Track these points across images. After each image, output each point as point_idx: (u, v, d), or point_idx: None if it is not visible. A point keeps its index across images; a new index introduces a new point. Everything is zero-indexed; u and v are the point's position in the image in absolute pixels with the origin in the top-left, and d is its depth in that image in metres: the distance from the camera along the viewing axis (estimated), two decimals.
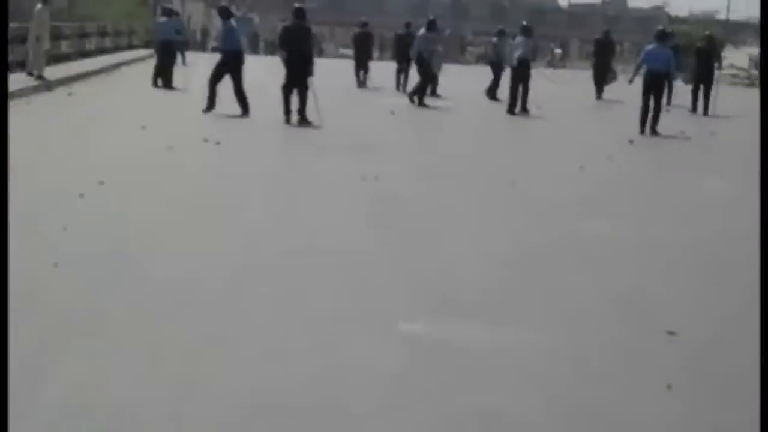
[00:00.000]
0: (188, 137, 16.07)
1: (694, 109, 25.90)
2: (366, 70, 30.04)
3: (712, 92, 25.84)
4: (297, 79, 18.73)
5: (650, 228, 10.64)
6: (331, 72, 29.55)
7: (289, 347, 6.16)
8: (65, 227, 8.93)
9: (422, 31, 24.86)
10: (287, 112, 18.81)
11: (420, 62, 24.54)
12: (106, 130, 16.52)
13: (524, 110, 23.26)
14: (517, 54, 23.77)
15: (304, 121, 18.58)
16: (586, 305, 7.39)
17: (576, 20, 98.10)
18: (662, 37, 20.80)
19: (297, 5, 19.42)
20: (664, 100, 21.93)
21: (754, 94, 29.08)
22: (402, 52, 28.00)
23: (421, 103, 23.90)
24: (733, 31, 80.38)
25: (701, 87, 26.06)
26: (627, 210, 11.80)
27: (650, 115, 20.26)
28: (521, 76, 23.42)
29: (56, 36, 31.01)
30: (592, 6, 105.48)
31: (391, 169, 13.72)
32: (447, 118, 22.51)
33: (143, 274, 7.59)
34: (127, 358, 5.78)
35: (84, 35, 35.64)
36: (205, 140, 15.49)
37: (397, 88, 28.09)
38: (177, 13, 31.74)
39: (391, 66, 30.03)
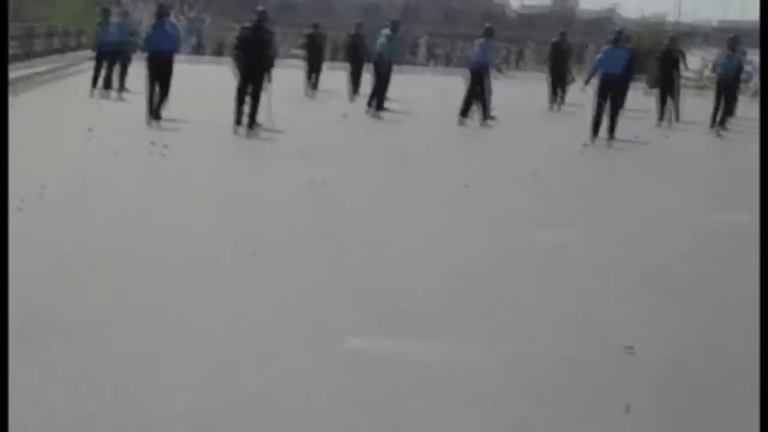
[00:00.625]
0: (135, 141, 15.80)
1: (661, 117, 24.74)
2: (318, 71, 29.41)
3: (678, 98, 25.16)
4: (252, 81, 18.08)
5: (605, 236, 10.42)
6: (283, 74, 29.14)
7: (229, 360, 5.91)
8: None
9: (386, 32, 24.11)
10: (239, 115, 18.12)
11: (379, 65, 23.81)
12: (50, 134, 16.16)
13: (489, 116, 22.83)
14: (476, 57, 23.61)
15: (254, 125, 18.01)
16: (541, 319, 7.17)
17: (527, 23, 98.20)
18: (618, 38, 20.38)
19: (259, 8, 18.90)
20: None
21: (706, 99, 28.73)
22: (354, 53, 27.57)
23: (380, 108, 23.34)
24: (683, 34, 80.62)
25: (666, 93, 25.06)
26: (580, 217, 11.60)
27: (607, 118, 19.69)
28: (481, 80, 23.18)
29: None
30: (542, 8, 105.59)
31: (342, 174, 13.49)
32: (400, 122, 22.17)
33: (79, 284, 7.31)
34: (60, 383, 5.50)
35: (31, 36, 35.11)
36: (152, 144, 15.20)
37: (353, 91, 27.48)
38: (127, 14, 31.06)
39: (344, 68, 29.37)
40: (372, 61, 24.40)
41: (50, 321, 6.43)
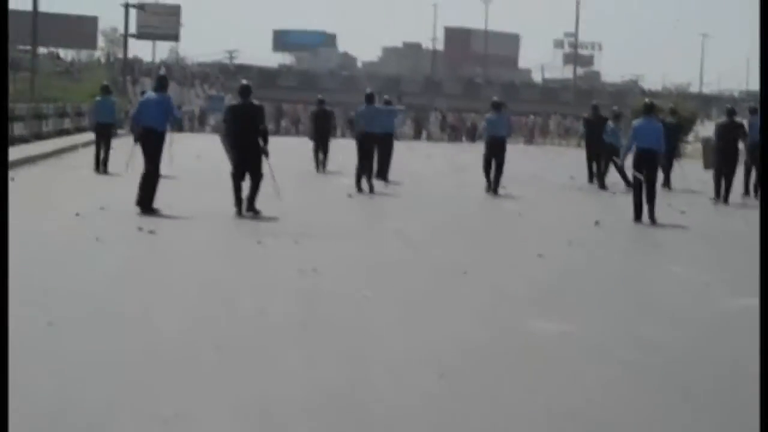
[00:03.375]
0: (123, 226, 15.04)
1: (717, 195, 22.64)
2: (326, 151, 28.31)
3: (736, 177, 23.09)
4: (247, 164, 16.87)
5: (610, 329, 9.49)
6: (288, 151, 28.52)
7: None
8: None
9: (362, 108, 23.22)
10: (238, 202, 16.80)
11: (361, 140, 22.95)
12: (37, 218, 15.44)
13: (495, 191, 22.57)
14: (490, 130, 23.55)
15: (252, 211, 16.74)
16: (529, 429, 6.31)
17: (549, 95, 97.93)
18: (650, 110, 18.69)
19: (243, 82, 17.79)
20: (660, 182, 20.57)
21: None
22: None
23: (370, 187, 22.33)
24: (705, 104, 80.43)
25: (723, 171, 22.76)
26: (585, 306, 10.69)
27: (646, 199, 18.07)
28: (495, 154, 23.07)
29: (9, 118, 30.13)
30: (565, 81, 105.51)
31: (335, 260, 12.67)
32: (405, 202, 21.36)
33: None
34: None
35: (40, 116, 34.72)
36: (140, 229, 14.48)
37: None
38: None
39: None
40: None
41: None
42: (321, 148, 28.41)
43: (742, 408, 6.94)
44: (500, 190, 22.78)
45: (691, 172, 26.98)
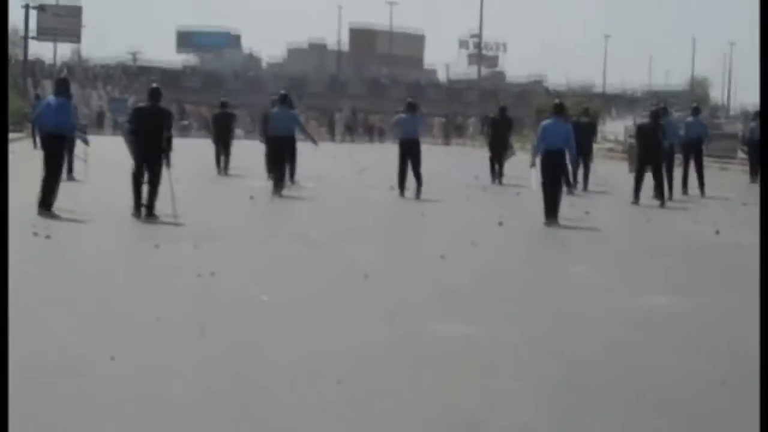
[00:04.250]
0: (17, 230, 14.63)
1: (636, 198, 22.05)
2: (227, 154, 28.02)
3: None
4: (148, 166, 16.68)
5: (514, 331, 9.40)
6: (191, 152, 28.19)
7: None
8: None
9: (275, 109, 23.16)
10: (137, 205, 16.64)
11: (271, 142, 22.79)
12: None
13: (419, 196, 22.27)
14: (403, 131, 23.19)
15: (150, 215, 16.47)
16: None
17: (455, 95, 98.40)
18: (559, 110, 18.51)
19: (154, 85, 17.68)
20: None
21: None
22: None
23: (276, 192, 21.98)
24: (606, 103, 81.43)
25: (648, 168, 22.12)
26: (489, 308, 10.61)
27: (550, 199, 17.78)
28: (411, 157, 22.72)
29: None
30: (470, 81, 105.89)
31: (234, 264, 12.48)
32: (308, 204, 21.16)
33: None
34: None
35: None
36: (35, 234, 14.13)
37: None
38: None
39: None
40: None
41: None
42: (223, 150, 28.12)
43: (643, 408, 6.90)
44: (405, 192, 22.49)
45: (606, 174, 27.19)
